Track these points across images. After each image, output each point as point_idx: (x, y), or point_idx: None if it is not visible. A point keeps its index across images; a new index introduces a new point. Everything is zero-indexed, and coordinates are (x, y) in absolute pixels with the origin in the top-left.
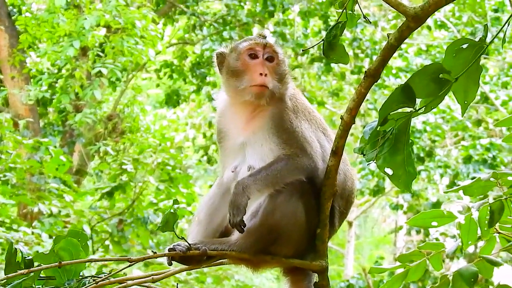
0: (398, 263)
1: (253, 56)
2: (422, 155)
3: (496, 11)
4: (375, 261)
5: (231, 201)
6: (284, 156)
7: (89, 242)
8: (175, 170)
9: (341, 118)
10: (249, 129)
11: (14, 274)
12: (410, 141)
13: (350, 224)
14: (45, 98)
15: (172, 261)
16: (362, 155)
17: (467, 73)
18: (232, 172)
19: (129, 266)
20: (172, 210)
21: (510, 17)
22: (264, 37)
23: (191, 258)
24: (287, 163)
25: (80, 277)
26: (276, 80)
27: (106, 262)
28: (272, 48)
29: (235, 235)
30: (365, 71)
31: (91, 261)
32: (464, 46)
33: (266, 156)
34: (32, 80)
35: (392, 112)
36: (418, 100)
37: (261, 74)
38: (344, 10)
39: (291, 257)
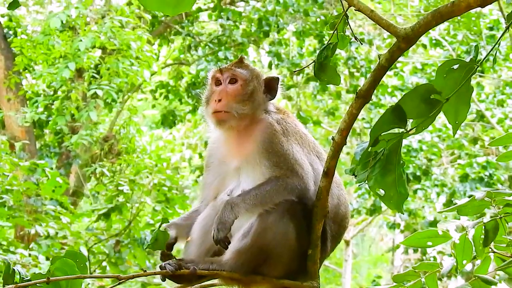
0: (394, 284)
1: (218, 83)
2: (418, 174)
3: (491, 29)
4: (372, 280)
5: (217, 217)
6: (274, 178)
7: (87, 263)
8: (171, 191)
9: (332, 139)
10: (241, 154)
11: None
12: (401, 161)
13: (347, 243)
14: (41, 120)
15: (165, 278)
16: (353, 176)
17: (458, 94)
18: (228, 195)
19: (119, 283)
20: (162, 229)
21: (502, 35)
22: (240, 60)
23: (182, 277)
24: (276, 184)
25: None
26: (238, 101)
27: (103, 283)
28: (231, 72)
29: (227, 255)
30: (356, 92)
31: (81, 277)
32: (455, 66)
33: (258, 179)
34: (28, 102)
35: (383, 133)
36: (409, 121)
37: (215, 100)
38: (336, 31)
39: (282, 278)
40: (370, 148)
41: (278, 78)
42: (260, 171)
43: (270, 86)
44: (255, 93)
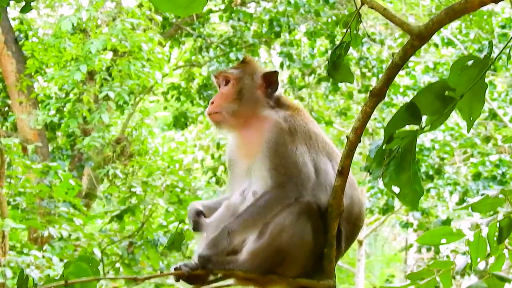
0: (408, 281)
1: (218, 87)
2: (431, 172)
3: (503, 27)
4: (386, 280)
5: (213, 238)
6: (268, 190)
7: (100, 265)
8: (184, 192)
9: (347, 137)
10: (250, 154)
11: None
12: (416, 159)
13: (360, 242)
14: (53, 122)
15: (180, 279)
16: (368, 173)
17: (472, 90)
18: (240, 196)
19: (136, 285)
20: (179, 230)
21: None
22: (241, 61)
23: (197, 278)
24: (270, 199)
25: None
26: (228, 101)
27: (117, 285)
28: (223, 74)
29: (243, 255)
30: (370, 91)
31: (98, 279)
32: (469, 63)
33: (264, 181)
34: (40, 105)
35: (398, 130)
36: (423, 118)
37: (210, 103)
38: (349, 30)
39: (298, 277)
40: (384, 145)
41: (276, 72)
42: (263, 174)
43: (270, 81)
44: (247, 89)
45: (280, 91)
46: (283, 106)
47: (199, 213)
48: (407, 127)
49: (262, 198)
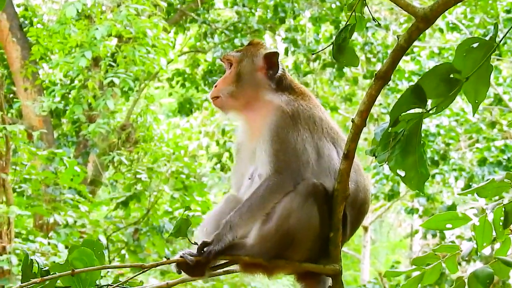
0: (414, 267)
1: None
2: (436, 158)
3: (508, 11)
4: (391, 266)
5: (217, 233)
6: (267, 178)
7: (105, 252)
8: (189, 178)
9: (352, 121)
10: (255, 137)
11: (28, 283)
12: (422, 142)
13: (365, 229)
14: (58, 109)
15: (181, 271)
16: (373, 156)
17: (478, 73)
18: (249, 179)
19: (143, 272)
20: (185, 217)
21: None
22: (248, 43)
23: (198, 269)
24: (267, 188)
25: (96, 286)
26: (227, 84)
27: (122, 272)
28: (226, 56)
29: (250, 239)
30: (375, 73)
31: (105, 267)
32: (475, 45)
33: (265, 166)
34: (45, 91)
35: (403, 113)
36: (429, 101)
37: (213, 87)
38: (353, 13)
39: (305, 262)
40: (390, 128)
41: (276, 53)
42: (264, 159)
43: (271, 62)
44: (247, 71)
45: (284, 73)
46: (287, 90)
47: None
48: (412, 111)
49: (261, 187)
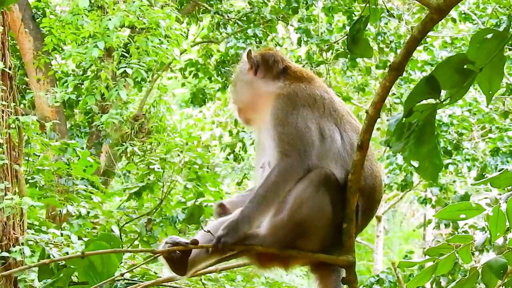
0: (427, 257)
1: None
2: (449, 148)
3: None
4: (404, 256)
5: (232, 221)
6: (275, 164)
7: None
8: (202, 168)
9: (366, 112)
10: (262, 128)
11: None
12: (435, 133)
13: (378, 219)
14: (71, 99)
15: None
16: (388, 147)
17: (491, 63)
18: (261, 168)
19: (154, 258)
20: (197, 203)
21: None
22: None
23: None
24: (277, 174)
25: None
26: (235, 100)
27: (135, 262)
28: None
29: (263, 229)
30: (389, 65)
31: (115, 251)
32: (488, 36)
33: (272, 151)
34: (57, 82)
35: (417, 104)
36: (443, 92)
37: None
38: (368, 4)
39: (318, 252)
40: (404, 119)
41: (247, 51)
42: (270, 144)
43: (252, 61)
44: (239, 81)
45: (275, 63)
46: (282, 76)
47: (221, 205)
48: (426, 102)
49: (271, 174)
